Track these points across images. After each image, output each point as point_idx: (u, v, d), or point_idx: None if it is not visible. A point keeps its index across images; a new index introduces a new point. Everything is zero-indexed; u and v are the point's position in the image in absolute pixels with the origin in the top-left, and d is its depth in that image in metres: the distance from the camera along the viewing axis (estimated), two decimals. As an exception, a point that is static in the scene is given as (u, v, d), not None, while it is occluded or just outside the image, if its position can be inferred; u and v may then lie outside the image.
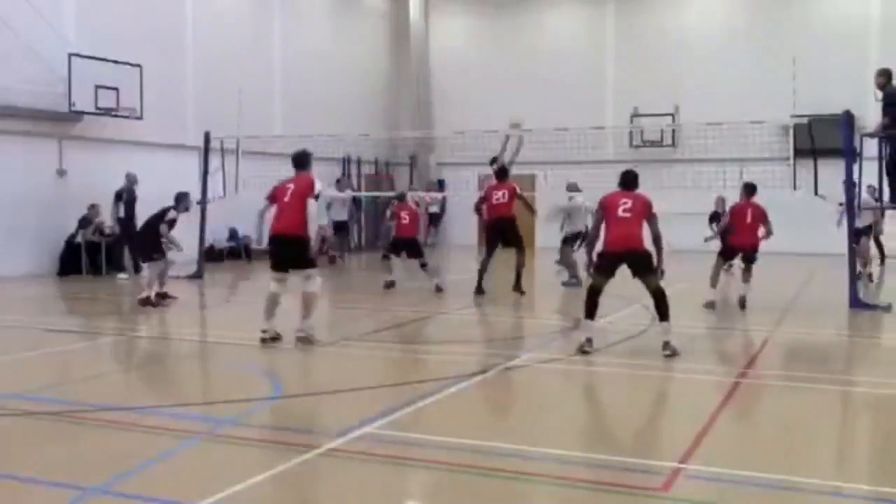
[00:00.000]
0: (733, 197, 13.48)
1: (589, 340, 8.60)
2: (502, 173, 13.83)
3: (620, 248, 8.51)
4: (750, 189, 12.41)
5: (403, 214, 15.03)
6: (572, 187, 15.76)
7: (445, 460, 5.31)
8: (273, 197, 9.28)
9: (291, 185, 9.12)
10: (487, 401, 7.04)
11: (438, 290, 14.14)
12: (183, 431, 6.10)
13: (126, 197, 16.20)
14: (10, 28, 15.87)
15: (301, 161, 9.34)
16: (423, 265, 14.70)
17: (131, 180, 16.37)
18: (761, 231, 12.21)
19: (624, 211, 8.56)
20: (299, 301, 9.13)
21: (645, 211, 8.61)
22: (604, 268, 8.66)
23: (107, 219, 17.12)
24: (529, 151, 16.83)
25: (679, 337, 8.75)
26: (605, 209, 8.68)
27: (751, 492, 4.80)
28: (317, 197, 9.00)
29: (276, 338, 9.19)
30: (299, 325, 9.09)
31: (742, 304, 12.04)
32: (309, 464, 5.15)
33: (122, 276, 15.98)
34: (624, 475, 4.99)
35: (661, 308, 8.50)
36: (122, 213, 16.19)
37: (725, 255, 12.69)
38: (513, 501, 4.75)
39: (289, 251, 9.03)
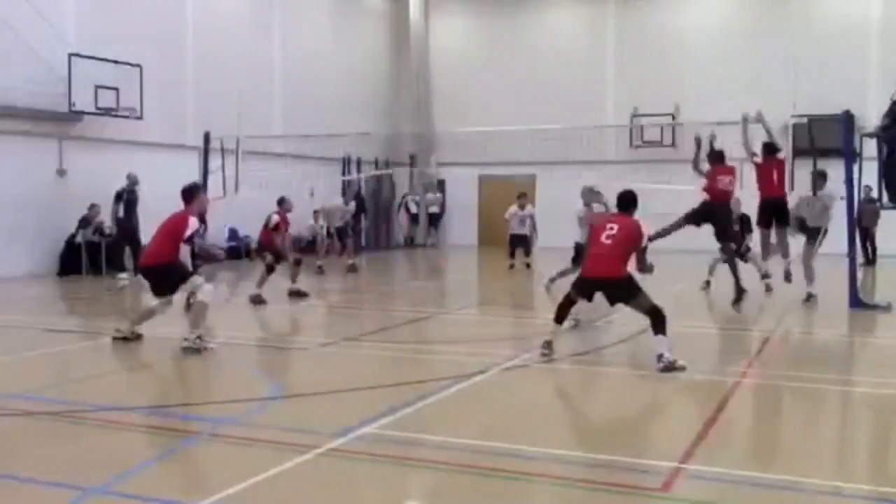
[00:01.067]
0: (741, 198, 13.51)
1: (548, 343, 8.36)
2: (719, 157, 12.52)
3: (593, 275, 8.11)
4: (772, 149, 12.21)
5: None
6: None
7: (446, 460, 5.30)
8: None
9: (166, 220, 9.07)
10: (487, 401, 7.02)
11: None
12: (183, 431, 6.10)
13: (126, 197, 16.20)
14: (10, 28, 15.86)
15: (184, 195, 9.15)
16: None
17: (132, 181, 16.36)
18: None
19: (607, 237, 8.04)
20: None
21: (629, 240, 7.96)
22: (579, 290, 8.34)
23: (106, 219, 17.13)
24: (529, 151, 16.83)
25: (679, 337, 8.65)
26: (593, 231, 8.29)
27: (751, 492, 4.80)
28: (188, 239, 8.85)
29: (127, 338, 9.21)
30: (186, 333, 8.85)
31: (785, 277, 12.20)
32: (309, 464, 5.14)
33: (122, 276, 15.96)
34: (624, 475, 4.99)
35: (656, 325, 7.80)
36: (121, 214, 16.18)
37: (763, 217, 12.43)
38: (513, 501, 4.75)
39: (154, 279, 9.04)
